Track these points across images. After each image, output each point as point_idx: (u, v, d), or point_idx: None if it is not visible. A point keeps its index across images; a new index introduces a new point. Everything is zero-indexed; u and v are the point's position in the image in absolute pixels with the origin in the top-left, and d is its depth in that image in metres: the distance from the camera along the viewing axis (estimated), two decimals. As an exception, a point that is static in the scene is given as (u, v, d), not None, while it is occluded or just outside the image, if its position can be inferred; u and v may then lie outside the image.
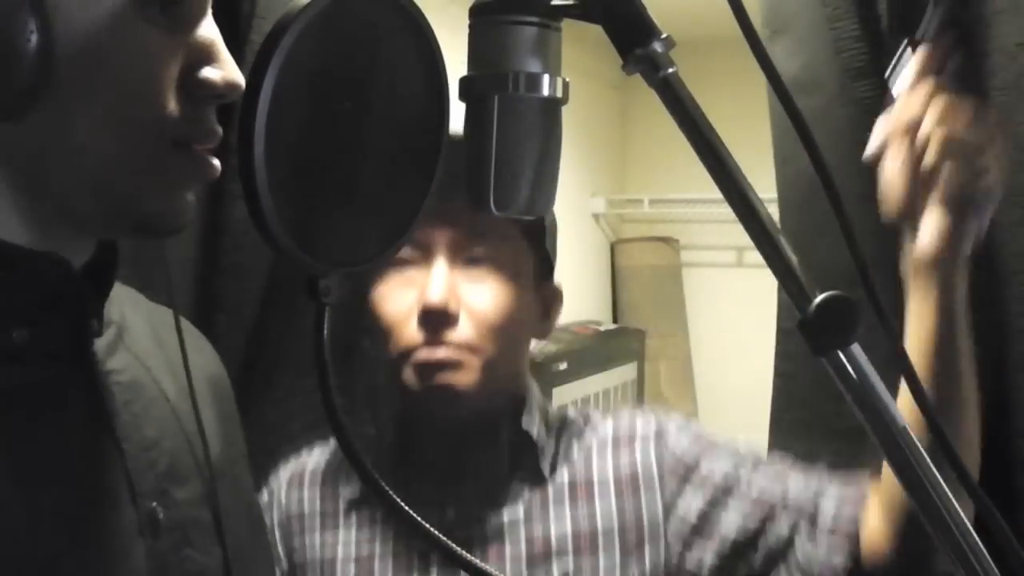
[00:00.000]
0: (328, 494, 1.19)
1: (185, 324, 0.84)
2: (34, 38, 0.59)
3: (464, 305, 1.09)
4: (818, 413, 1.33)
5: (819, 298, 0.58)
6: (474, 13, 0.66)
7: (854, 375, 0.58)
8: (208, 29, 0.69)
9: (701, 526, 1.11)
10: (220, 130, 0.70)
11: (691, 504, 1.12)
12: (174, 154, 0.68)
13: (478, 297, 1.09)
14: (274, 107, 0.59)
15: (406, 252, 1.08)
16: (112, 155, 0.66)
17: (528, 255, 1.15)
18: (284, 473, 1.24)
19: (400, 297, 1.10)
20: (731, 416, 4.30)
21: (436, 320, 1.07)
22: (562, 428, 1.19)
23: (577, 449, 1.17)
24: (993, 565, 0.58)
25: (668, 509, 1.13)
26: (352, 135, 0.65)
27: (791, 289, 0.59)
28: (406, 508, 0.65)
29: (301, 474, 1.22)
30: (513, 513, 1.13)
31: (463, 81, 0.66)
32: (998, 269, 1.18)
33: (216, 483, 0.79)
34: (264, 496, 1.23)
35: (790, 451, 1.22)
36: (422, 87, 0.68)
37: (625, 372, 3.60)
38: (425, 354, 1.08)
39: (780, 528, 1.09)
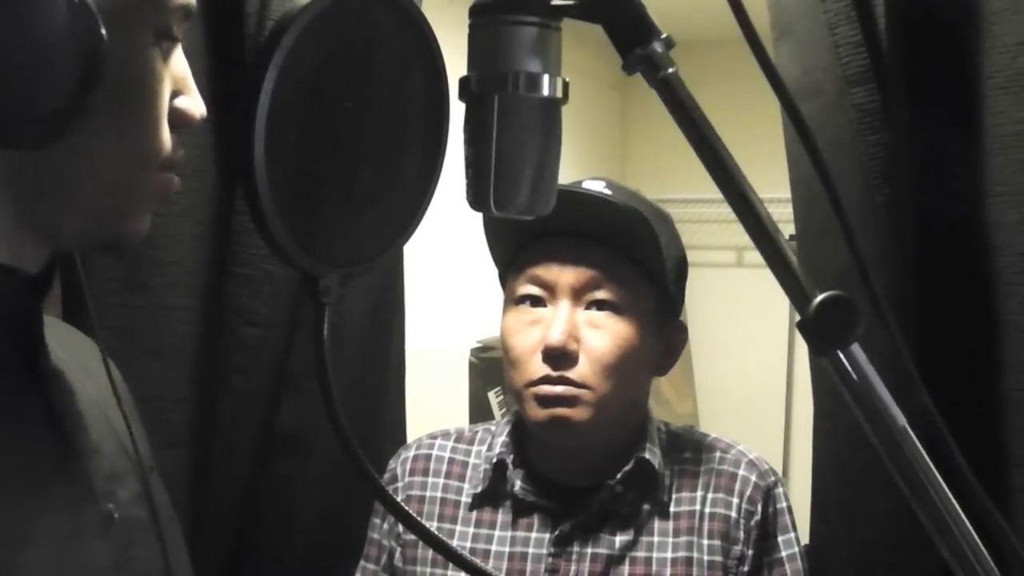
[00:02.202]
0: (452, 485, 1.26)
1: (76, 330, 0.85)
2: (82, 67, 0.59)
3: (583, 347, 1.16)
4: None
5: (819, 298, 0.58)
6: (474, 13, 0.66)
7: (854, 375, 0.58)
8: (182, 60, 0.71)
9: None
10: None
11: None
12: (155, 180, 0.70)
13: (597, 341, 1.17)
14: (274, 107, 0.59)
15: (535, 290, 1.19)
16: (115, 180, 0.67)
17: (651, 297, 1.20)
18: (406, 454, 1.30)
19: (527, 333, 1.19)
20: (731, 415, 4.31)
21: (556, 359, 1.16)
22: (671, 447, 1.25)
23: (685, 474, 1.23)
24: (993, 565, 0.58)
25: (738, 564, 1.19)
26: (352, 135, 0.64)
27: (791, 289, 0.59)
28: (404, 507, 0.65)
29: (427, 458, 1.28)
30: (625, 535, 1.19)
31: (463, 81, 0.66)
32: (998, 269, 1.18)
33: (148, 481, 0.81)
34: (386, 476, 1.30)
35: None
36: (422, 87, 0.67)
37: (625, 372, 3.59)
38: (545, 389, 1.16)
39: None
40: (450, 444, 1.29)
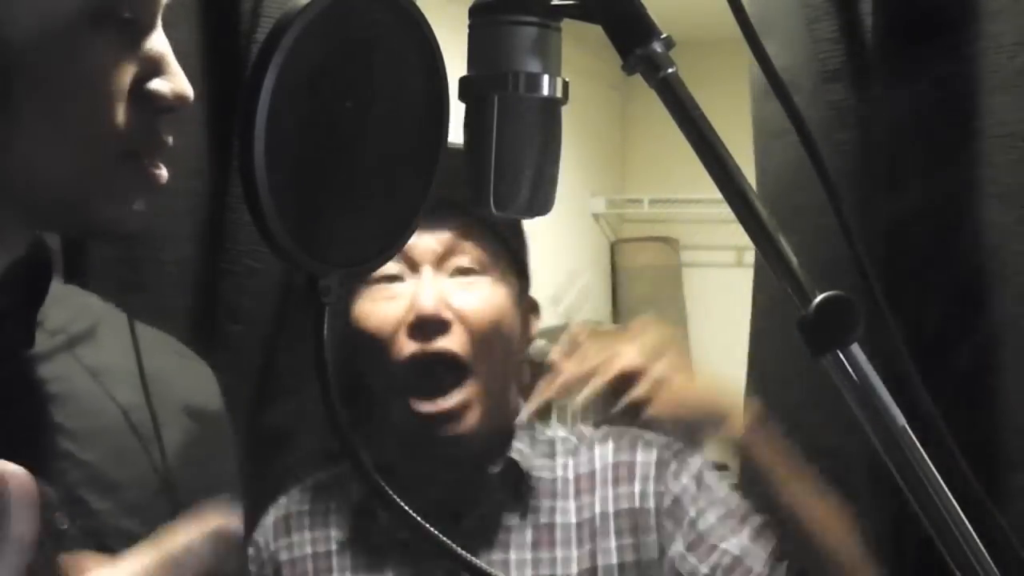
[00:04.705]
0: (319, 537, 1.17)
1: (185, 352, 0.87)
2: None
3: (456, 313, 1.08)
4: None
5: (819, 298, 0.58)
6: (474, 13, 0.66)
7: (854, 375, 0.58)
8: (158, 41, 0.71)
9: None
10: (169, 141, 0.72)
11: (678, 550, 1.09)
12: (122, 166, 0.70)
13: (470, 304, 1.09)
14: (274, 107, 0.59)
15: (390, 267, 1.07)
16: (65, 166, 0.68)
17: (509, 261, 1.15)
18: (268, 521, 1.21)
19: (387, 310, 1.09)
20: (731, 416, 4.30)
21: (429, 329, 1.07)
22: (554, 451, 1.17)
23: (575, 477, 1.15)
24: (993, 565, 0.58)
25: (662, 551, 1.11)
26: (352, 135, 0.65)
27: (791, 289, 0.59)
28: (408, 510, 0.65)
29: (287, 518, 1.19)
30: (505, 551, 1.11)
31: (463, 81, 0.66)
32: (998, 269, 1.18)
33: (160, 497, 0.80)
34: (251, 551, 1.19)
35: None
36: (422, 87, 0.68)
37: (625, 372, 3.59)
38: (427, 407, 1.07)
39: None
40: (308, 495, 1.20)
